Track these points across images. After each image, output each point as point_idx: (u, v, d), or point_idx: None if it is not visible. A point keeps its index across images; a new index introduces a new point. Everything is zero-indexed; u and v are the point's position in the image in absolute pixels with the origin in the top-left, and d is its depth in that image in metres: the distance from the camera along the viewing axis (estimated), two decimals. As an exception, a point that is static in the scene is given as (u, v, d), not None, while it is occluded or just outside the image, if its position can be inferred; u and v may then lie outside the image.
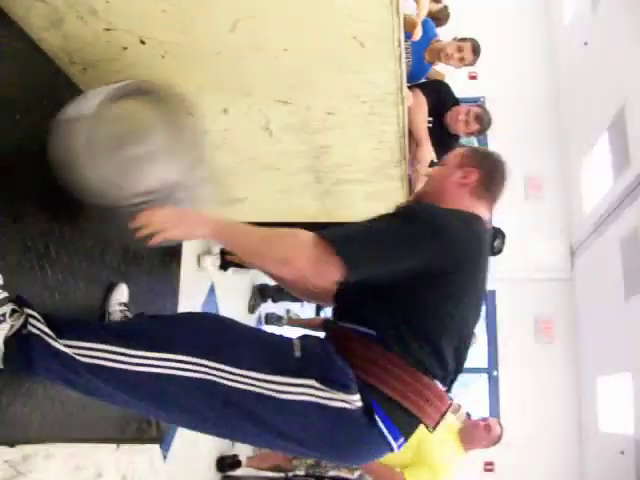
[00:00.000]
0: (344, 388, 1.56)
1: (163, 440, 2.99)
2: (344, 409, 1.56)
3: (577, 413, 7.58)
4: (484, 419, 4.06)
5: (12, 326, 1.66)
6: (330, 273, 1.61)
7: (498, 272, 7.55)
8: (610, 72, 6.66)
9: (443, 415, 1.71)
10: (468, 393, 7.90)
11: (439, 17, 4.49)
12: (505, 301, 7.94)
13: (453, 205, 1.83)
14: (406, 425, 1.66)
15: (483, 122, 4.00)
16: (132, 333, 1.68)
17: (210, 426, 1.70)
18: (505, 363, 7.90)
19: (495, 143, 8.19)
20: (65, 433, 2.13)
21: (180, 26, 1.93)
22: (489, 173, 1.93)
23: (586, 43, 7.37)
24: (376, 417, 1.58)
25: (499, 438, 4.03)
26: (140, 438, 2.68)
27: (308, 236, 1.64)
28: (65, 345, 1.63)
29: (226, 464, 4.56)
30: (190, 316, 1.80)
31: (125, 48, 2.04)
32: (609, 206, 6.70)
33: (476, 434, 3.96)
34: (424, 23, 3.81)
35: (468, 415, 4.72)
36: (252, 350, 1.62)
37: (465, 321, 1.74)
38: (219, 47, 2.01)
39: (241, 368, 1.58)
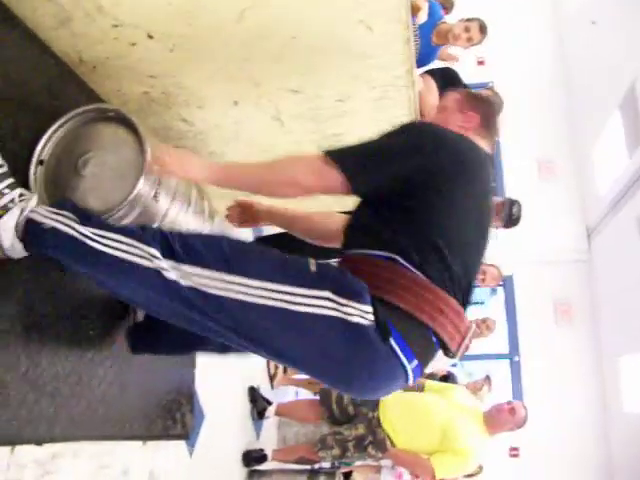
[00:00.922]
0: (357, 297, 1.58)
1: (189, 436, 2.99)
2: (359, 324, 1.56)
3: (601, 394, 7.54)
4: (508, 402, 4.05)
5: (22, 209, 1.68)
6: (333, 181, 1.72)
7: (515, 256, 7.59)
8: (619, 50, 6.61)
9: (464, 337, 1.73)
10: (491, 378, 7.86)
11: (444, 5, 4.47)
12: (523, 285, 7.92)
13: None
14: (421, 347, 1.67)
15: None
16: (146, 234, 1.66)
17: (231, 337, 1.70)
18: (526, 348, 7.87)
19: (506, 128, 8.17)
20: (91, 431, 2.13)
21: (187, 18, 1.92)
22: (488, 115, 2.01)
23: (594, 22, 7.31)
24: (390, 333, 1.59)
25: (524, 421, 4.03)
26: (166, 435, 2.69)
27: (307, 155, 1.77)
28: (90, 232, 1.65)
29: (252, 458, 4.56)
30: (203, 233, 1.86)
31: (133, 44, 2.04)
32: (624, 185, 6.66)
33: (501, 418, 3.95)
34: (430, 5, 3.79)
35: (488, 378, 4.71)
36: (268, 263, 1.65)
37: (469, 235, 1.78)
38: (227, 38, 2.00)
39: (257, 279, 1.59)
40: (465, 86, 4.29)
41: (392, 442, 3.94)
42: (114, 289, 1.74)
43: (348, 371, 1.65)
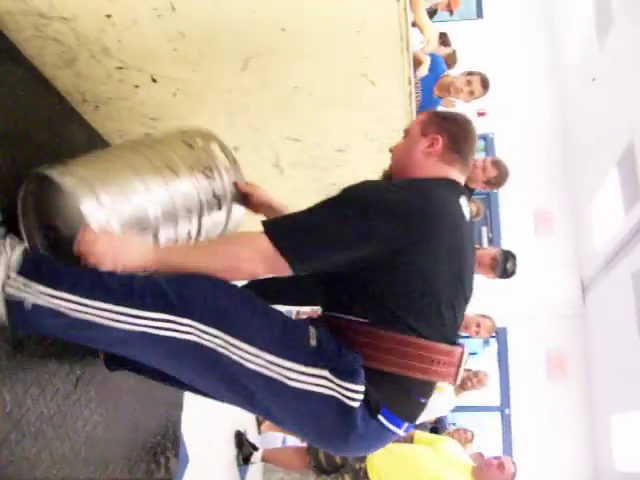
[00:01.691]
0: (352, 377, 1.55)
1: (172, 480, 2.95)
2: (352, 400, 1.55)
3: (592, 451, 7.47)
4: (497, 458, 4.00)
5: (10, 259, 1.59)
6: (280, 269, 1.60)
7: (510, 309, 7.58)
8: (618, 107, 6.69)
9: (459, 366, 1.69)
10: (481, 432, 7.80)
11: (448, 62, 4.53)
12: (517, 338, 7.89)
13: (421, 176, 1.80)
14: (409, 409, 1.67)
15: (500, 167, 4.01)
16: (140, 291, 1.58)
17: (224, 393, 1.68)
18: (517, 401, 7.81)
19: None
20: (73, 473, 2.10)
21: (191, 64, 1.94)
22: (454, 135, 1.83)
23: (594, 79, 7.41)
24: (378, 410, 1.59)
25: (513, 477, 3.97)
26: (149, 479, 2.65)
27: (250, 239, 1.63)
28: (63, 300, 1.55)
29: (237, 505, 4.50)
30: (204, 281, 1.65)
31: (137, 86, 2.05)
32: (620, 241, 6.68)
33: (490, 473, 3.89)
34: (433, 59, 3.84)
35: (481, 455, 4.67)
36: (269, 331, 1.58)
37: (451, 280, 1.70)
38: (230, 85, 2.02)
39: (255, 347, 1.55)
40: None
41: (380, 493, 3.89)
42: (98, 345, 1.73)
43: (338, 441, 1.65)
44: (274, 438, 5.52)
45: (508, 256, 4.14)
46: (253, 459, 4.50)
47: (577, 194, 8.13)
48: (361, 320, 1.64)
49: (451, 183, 1.80)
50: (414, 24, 3.76)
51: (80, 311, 1.55)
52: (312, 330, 1.61)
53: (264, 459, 4.64)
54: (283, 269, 1.60)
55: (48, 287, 1.56)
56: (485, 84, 4.02)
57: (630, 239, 6.45)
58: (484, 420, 8.01)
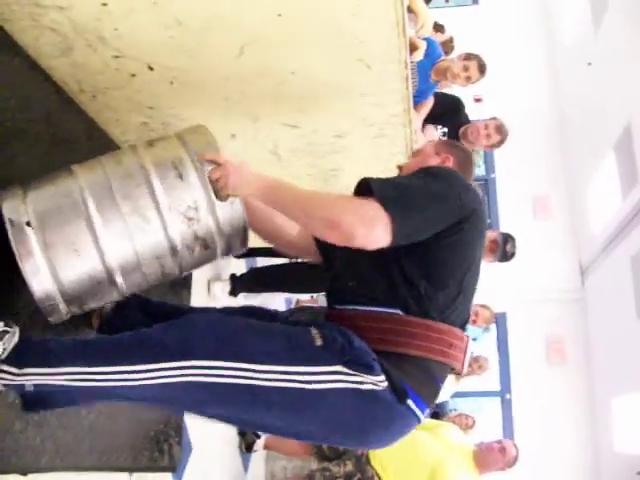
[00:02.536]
0: (369, 369, 1.56)
1: (176, 469, 2.96)
2: (373, 390, 1.56)
3: (592, 434, 7.50)
4: (499, 441, 4.02)
5: (4, 349, 1.58)
6: (381, 235, 1.53)
7: (508, 294, 7.59)
8: (615, 91, 6.68)
9: (466, 353, 1.74)
10: (481, 417, 7.82)
11: (445, 49, 4.53)
12: (516, 323, 7.90)
13: None
14: (430, 393, 1.69)
15: (503, 132, 4.18)
16: (134, 346, 1.60)
17: (249, 423, 1.72)
18: (518, 386, 7.83)
19: (502, 164, 8.23)
20: (77, 462, 2.11)
21: (188, 52, 1.94)
22: (461, 159, 2.00)
23: (590, 63, 7.40)
24: (408, 395, 1.60)
25: (515, 460, 3.99)
26: (153, 467, 2.66)
27: (359, 199, 1.59)
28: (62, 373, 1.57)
29: (240, 493, 4.52)
30: (196, 321, 1.67)
31: (133, 75, 2.05)
32: (618, 224, 6.68)
33: (491, 457, 3.91)
34: (429, 43, 3.83)
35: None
36: (272, 345, 1.59)
37: (472, 272, 1.76)
38: (227, 72, 2.02)
39: (263, 364, 1.54)
40: (466, 115, 4.41)
41: (383, 482, 3.90)
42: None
43: (366, 435, 1.67)
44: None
45: (507, 238, 4.16)
46: (256, 447, 4.52)
47: (575, 178, 8.12)
48: (388, 310, 1.66)
49: None
50: (409, 9, 3.76)
51: (82, 380, 1.57)
52: (315, 331, 1.62)
53: (266, 447, 4.65)
54: (383, 239, 1.54)
55: (40, 367, 1.58)
56: (482, 69, 4.02)
57: (628, 222, 6.45)
58: (485, 405, 8.03)
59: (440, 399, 5.47)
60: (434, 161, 1.95)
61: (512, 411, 7.79)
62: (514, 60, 8.32)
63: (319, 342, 1.58)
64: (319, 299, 6.56)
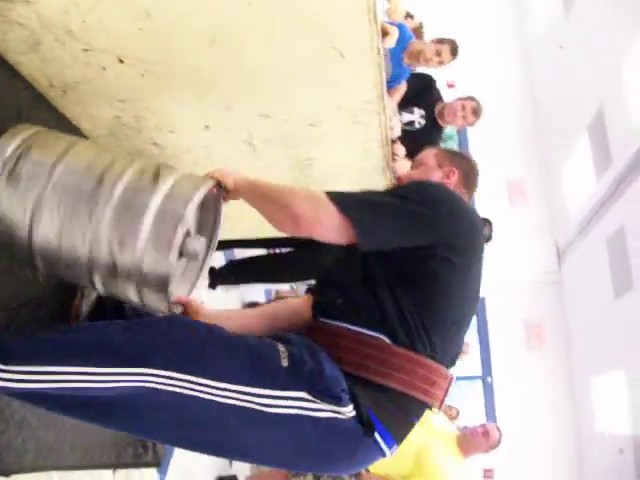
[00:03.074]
0: (336, 400, 1.49)
1: (160, 464, 2.95)
2: (336, 419, 1.49)
3: (573, 414, 7.59)
4: (482, 425, 4.05)
5: None
6: (329, 220, 1.58)
7: (486, 279, 7.62)
8: (587, 73, 6.72)
9: (447, 391, 1.68)
10: (464, 401, 7.88)
11: (415, 34, 4.53)
12: (495, 307, 7.96)
13: None
14: (402, 430, 1.62)
15: (479, 114, 4.29)
16: (91, 347, 1.51)
17: (190, 444, 1.60)
18: (498, 369, 7.90)
19: (476, 150, 8.26)
20: (61, 460, 2.10)
21: (158, 44, 1.92)
22: (467, 171, 1.98)
23: (561, 47, 7.44)
24: (374, 428, 1.53)
25: (498, 442, 4.03)
26: (137, 463, 2.64)
27: (324, 201, 1.61)
28: (12, 372, 1.48)
29: (225, 485, 4.52)
30: (158, 324, 1.60)
31: (104, 68, 2.02)
32: (593, 206, 6.75)
33: (475, 441, 3.95)
34: (399, 27, 3.83)
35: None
36: (235, 362, 1.51)
37: (469, 304, 1.73)
38: (198, 63, 2.00)
39: (222, 381, 1.47)
40: (439, 94, 4.45)
41: (366, 469, 3.91)
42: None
43: (325, 464, 1.62)
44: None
45: (484, 222, 4.19)
46: None
47: (549, 162, 8.18)
48: (375, 335, 1.60)
49: None
50: (380, -7, 3.76)
51: (30, 380, 1.48)
52: (282, 349, 1.54)
53: None
54: (334, 225, 1.59)
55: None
56: (455, 52, 4.06)
57: (603, 204, 6.51)
58: (467, 389, 8.10)
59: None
60: (437, 175, 1.92)
61: (494, 394, 7.86)
62: (486, 45, 8.36)
63: (285, 363, 1.51)
64: (299, 289, 6.57)
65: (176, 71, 2.04)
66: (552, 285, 7.98)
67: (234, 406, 1.47)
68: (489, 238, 4.33)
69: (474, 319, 8.03)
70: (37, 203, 1.66)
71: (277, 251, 4.16)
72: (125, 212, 1.64)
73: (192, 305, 1.83)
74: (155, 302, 1.71)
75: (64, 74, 2.06)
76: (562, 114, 7.68)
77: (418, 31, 4.72)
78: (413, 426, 1.67)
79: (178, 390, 1.46)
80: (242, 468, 4.91)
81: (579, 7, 7.01)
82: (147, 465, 2.80)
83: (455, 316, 1.66)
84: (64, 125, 2.28)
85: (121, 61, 1.99)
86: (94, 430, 2.28)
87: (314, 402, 1.49)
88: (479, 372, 7.97)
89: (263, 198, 1.72)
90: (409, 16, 4.77)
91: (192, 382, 1.46)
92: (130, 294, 1.71)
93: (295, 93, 2.15)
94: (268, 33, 1.87)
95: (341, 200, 1.61)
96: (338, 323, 1.65)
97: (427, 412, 3.99)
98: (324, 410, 1.49)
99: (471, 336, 7.73)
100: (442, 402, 1.68)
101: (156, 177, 1.70)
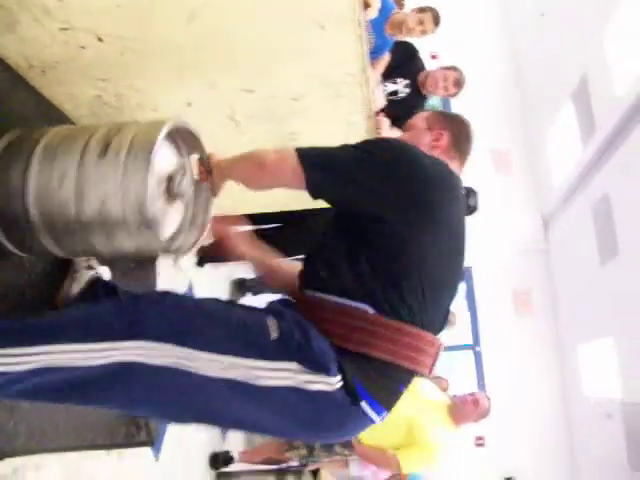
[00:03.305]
0: (325, 370, 1.51)
1: (154, 443, 2.96)
2: (325, 392, 1.52)
3: (561, 381, 7.67)
4: (471, 394, 4.09)
5: None
6: (288, 168, 1.68)
7: (473, 248, 7.66)
8: (569, 41, 6.71)
9: (435, 358, 1.70)
10: (455, 369, 7.94)
11: (397, 2, 4.50)
12: (482, 277, 8.00)
13: None
14: (390, 397, 1.65)
15: (462, 85, 4.28)
16: (81, 323, 1.56)
17: (185, 415, 1.64)
18: (487, 338, 7.96)
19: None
20: (53, 443, 2.10)
21: (137, 21, 1.90)
22: (458, 133, 1.94)
23: (543, 14, 7.41)
24: (360, 398, 1.56)
25: (488, 411, 4.07)
26: (130, 442, 2.65)
27: (284, 149, 1.73)
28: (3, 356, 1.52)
29: (219, 461, 4.54)
30: (149, 297, 1.67)
31: (83, 47, 2.00)
32: (578, 174, 6.77)
33: (465, 410, 3.99)
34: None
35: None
36: (225, 333, 1.54)
37: (446, 270, 1.72)
38: (178, 39, 1.98)
39: (212, 352, 1.50)
40: (422, 63, 4.44)
41: (358, 438, 3.94)
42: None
43: (316, 430, 1.66)
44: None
45: (469, 192, 4.20)
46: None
47: (534, 130, 8.19)
48: (359, 305, 1.61)
49: (454, 173, 1.84)
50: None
51: (23, 362, 1.51)
52: (272, 322, 1.56)
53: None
54: (291, 173, 1.68)
55: None
56: (437, 21, 4.04)
57: (588, 171, 6.53)
58: (458, 358, 8.16)
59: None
60: (426, 138, 1.90)
61: (482, 363, 7.92)
62: (468, 14, 8.32)
63: (274, 334, 1.54)
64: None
65: (156, 48, 2.02)
66: (539, 253, 8.03)
67: (223, 378, 1.49)
68: (475, 208, 4.33)
69: (462, 289, 8.09)
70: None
71: (264, 227, 4.15)
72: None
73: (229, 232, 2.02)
74: (150, 240, 1.73)
75: (43, 54, 2.04)
76: (546, 82, 7.67)
77: (400, 2, 4.69)
78: (402, 394, 1.69)
79: (169, 362, 1.49)
80: (236, 443, 4.95)
81: (560, -26, 6.98)
82: (140, 444, 2.80)
83: (431, 279, 1.65)
84: (44, 105, 2.25)
85: (100, 39, 1.97)
86: (86, 411, 2.28)
87: (303, 373, 1.51)
88: (469, 341, 8.03)
89: (240, 161, 1.81)
90: None
91: (183, 353, 1.49)
92: (126, 244, 1.75)
93: (277, 67, 2.14)
94: (248, 7, 1.85)
95: (302, 151, 1.69)
96: (322, 295, 1.67)
97: (417, 382, 4.04)
98: (313, 381, 1.51)
99: (460, 305, 7.78)
100: (431, 369, 1.70)
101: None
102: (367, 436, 3.90)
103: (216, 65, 2.11)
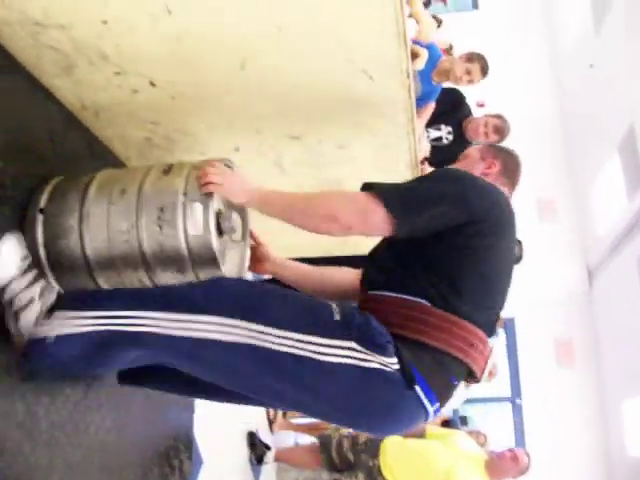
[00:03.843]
0: (382, 350, 1.59)
1: (187, 483, 2.95)
2: (382, 371, 1.59)
3: (604, 437, 7.46)
4: (510, 450, 4.00)
5: (43, 304, 1.70)
6: (378, 223, 1.65)
7: (516, 298, 7.57)
8: (617, 91, 6.67)
9: (487, 359, 1.76)
10: (492, 423, 7.79)
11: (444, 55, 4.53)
12: (524, 327, 7.88)
13: None
14: (443, 389, 1.70)
15: (502, 132, 4.16)
16: (164, 295, 1.69)
17: (249, 385, 1.72)
18: (528, 390, 7.80)
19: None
20: (88, 480, 2.10)
21: (189, 67, 1.94)
22: (508, 162, 2.07)
23: (592, 65, 7.39)
24: (415, 381, 1.62)
25: (527, 468, 3.97)
26: (163, 483, 2.65)
27: (352, 192, 1.71)
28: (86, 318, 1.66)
29: (251, 504, 4.50)
30: (224, 280, 1.76)
31: (136, 91, 2.05)
32: (625, 226, 6.67)
33: (503, 465, 3.90)
34: (429, 48, 3.82)
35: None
36: (292, 311, 1.65)
37: (501, 285, 1.81)
38: (229, 86, 2.02)
39: (280, 329, 1.60)
40: (469, 109, 4.44)
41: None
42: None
43: (369, 416, 1.70)
44: (286, 437, 5.53)
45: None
46: (266, 459, 4.50)
47: (580, 180, 8.11)
48: (416, 299, 1.68)
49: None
50: (410, 15, 3.77)
51: (106, 324, 1.65)
52: (335, 306, 1.67)
53: (277, 459, 4.64)
54: (379, 224, 1.65)
55: (77, 310, 1.67)
56: (485, 70, 4.03)
57: (634, 224, 6.44)
58: (495, 410, 8.01)
59: (451, 406, 5.49)
60: (480, 166, 2.02)
61: (523, 416, 7.75)
62: (516, 63, 8.32)
63: (337, 317, 1.64)
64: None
65: (206, 94, 2.06)
66: (583, 304, 7.88)
67: (289, 354, 1.59)
68: (520, 258, 4.29)
69: (503, 340, 7.97)
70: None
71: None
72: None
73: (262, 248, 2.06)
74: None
75: (97, 96, 2.10)
76: (593, 133, 7.61)
77: (448, 52, 4.73)
78: (454, 387, 1.74)
79: (239, 338, 1.60)
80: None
81: (609, 25, 6.96)
82: (173, 485, 2.80)
83: (487, 282, 1.74)
84: (96, 146, 2.31)
85: (152, 84, 2.02)
86: (121, 449, 2.29)
87: (362, 352, 1.59)
88: (508, 393, 7.88)
89: (294, 212, 1.74)
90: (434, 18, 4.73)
91: (252, 330, 1.60)
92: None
93: (324, 116, 2.16)
94: (297, 57, 1.88)
95: (384, 195, 1.66)
96: (383, 292, 1.75)
97: (456, 435, 3.95)
98: (372, 361, 1.59)
99: (500, 357, 7.65)
100: (483, 370, 1.76)
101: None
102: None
103: (264, 112, 2.15)
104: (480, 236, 1.71)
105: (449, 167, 2.01)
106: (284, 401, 1.78)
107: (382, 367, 1.59)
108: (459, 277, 1.69)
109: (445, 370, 1.69)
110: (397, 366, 1.60)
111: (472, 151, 2.12)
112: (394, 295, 1.71)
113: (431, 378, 1.65)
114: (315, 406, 1.72)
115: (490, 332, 1.78)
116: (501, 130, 4.25)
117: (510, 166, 2.07)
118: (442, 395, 1.70)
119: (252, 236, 2.01)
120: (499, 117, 4.34)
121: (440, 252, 1.71)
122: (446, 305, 1.67)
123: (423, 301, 1.68)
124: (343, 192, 1.76)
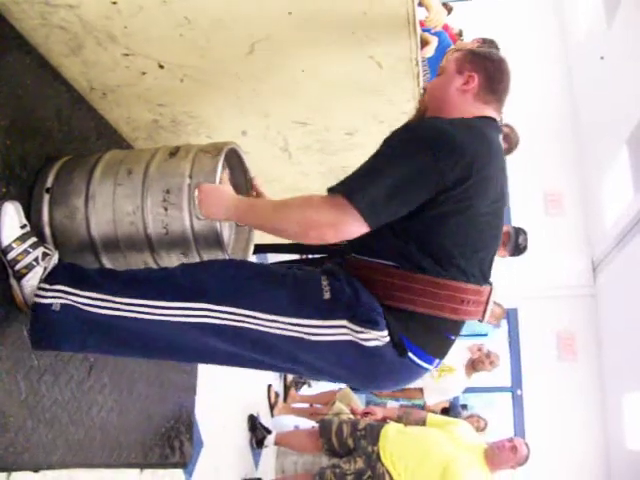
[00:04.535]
0: (373, 325, 1.59)
1: (187, 465, 2.97)
2: (375, 346, 1.60)
3: (604, 430, 7.47)
4: (510, 440, 4.00)
5: (45, 268, 1.71)
6: (351, 231, 1.58)
7: (520, 289, 7.57)
8: (628, 85, 6.63)
9: (487, 303, 1.73)
10: (492, 412, 7.80)
11: (454, 41, 4.50)
12: (527, 319, 7.87)
13: (458, 114, 1.74)
14: (439, 346, 1.72)
15: (511, 141, 4.07)
16: (156, 282, 1.70)
17: (247, 363, 1.77)
18: (529, 381, 7.81)
19: (514, 160, 8.19)
20: (88, 459, 2.12)
21: (198, 50, 1.94)
22: (491, 73, 1.79)
23: (602, 57, 7.35)
24: (407, 350, 1.64)
25: (526, 459, 3.97)
26: (164, 463, 2.67)
27: (320, 200, 1.60)
28: (83, 297, 1.67)
29: (250, 487, 4.52)
30: (214, 264, 1.78)
31: (144, 73, 2.05)
32: (631, 220, 6.64)
33: (502, 455, 3.90)
34: (439, 36, 3.79)
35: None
36: (280, 295, 1.65)
37: (484, 239, 1.72)
38: (237, 70, 2.02)
39: (269, 313, 1.62)
40: None
41: (391, 477, 3.88)
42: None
43: (372, 380, 1.74)
44: (287, 421, 5.55)
45: (519, 232, 4.15)
46: (266, 442, 4.53)
47: (587, 174, 8.08)
48: (394, 264, 1.65)
49: (490, 120, 1.78)
50: (420, 3, 3.74)
51: (100, 306, 1.66)
52: (324, 282, 1.66)
53: (277, 442, 4.66)
54: (356, 231, 1.57)
55: (70, 287, 1.68)
56: None
57: (640, 218, 6.42)
58: (496, 400, 8.02)
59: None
60: (456, 82, 1.77)
61: (523, 407, 7.76)
62: (527, 55, 8.26)
63: (327, 295, 1.63)
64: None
65: (215, 77, 2.06)
66: (587, 298, 7.87)
67: (285, 336, 1.62)
68: (524, 248, 4.27)
69: (505, 330, 7.98)
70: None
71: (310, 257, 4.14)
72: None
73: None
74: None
75: (105, 77, 2.10)
76: (602, 126, 7.58)
77: (457, 39, 4.69)
78: (451, 342, 1.75)
79: (229, 323, 1.63)
80: (266, 472, 4.93)
81: (621, 18, 6.91)
82: (174, 466, 2.82)
83: (473, 239, 1.68)
84: (103, 127, 2.31)
85: (161, 66, 2.02)
86: (123, 429, 2.31)
87: (354, 329, 1.60)
88: (509, 383, 7.89)
89: (269, 225, 1.71)
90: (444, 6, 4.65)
91: (244, 315, 1.62)
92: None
93: (332, 102, 2.16)
94: (307, 42, 1.87)
95: (349, 192, 1.57)
96: (367, 258, 1.71)
97: (456, 424, 3.95)
98: (366, 339, 1.60)
99: (502, 347, 7.66)
100: (484, 314, 1.74)
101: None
102: (400, 476, 3.85)
103: (272, 97, 2.15)
104: (454, 201, 1.59)
105: (420, 123, 1.78)
106: (284, 366, 1.80)
107: (374, 340, 1.60)
108: (434, 239, 1.63)
109: (437, 331, 1.70)
110: (388, 338, 1.61)
111: (449, 63, 1.84)
112: (378, 261, 1.68)
113: (424, 342, 1.66)
114: (310, 370, 1.77)
115: (485, 276, 1.74)
116: (509, 138, 4.15)
117: (494, 75, 1.79)
118: (439, 352, 1.72)
119: (253, 187, 1.99)
120: (507, 126, 4.26)
121: (413, 219, 1.61)
122: (429, 268, 1.63)
123: (405, 266, 1.64)
124: (312, 205, 1.61)
